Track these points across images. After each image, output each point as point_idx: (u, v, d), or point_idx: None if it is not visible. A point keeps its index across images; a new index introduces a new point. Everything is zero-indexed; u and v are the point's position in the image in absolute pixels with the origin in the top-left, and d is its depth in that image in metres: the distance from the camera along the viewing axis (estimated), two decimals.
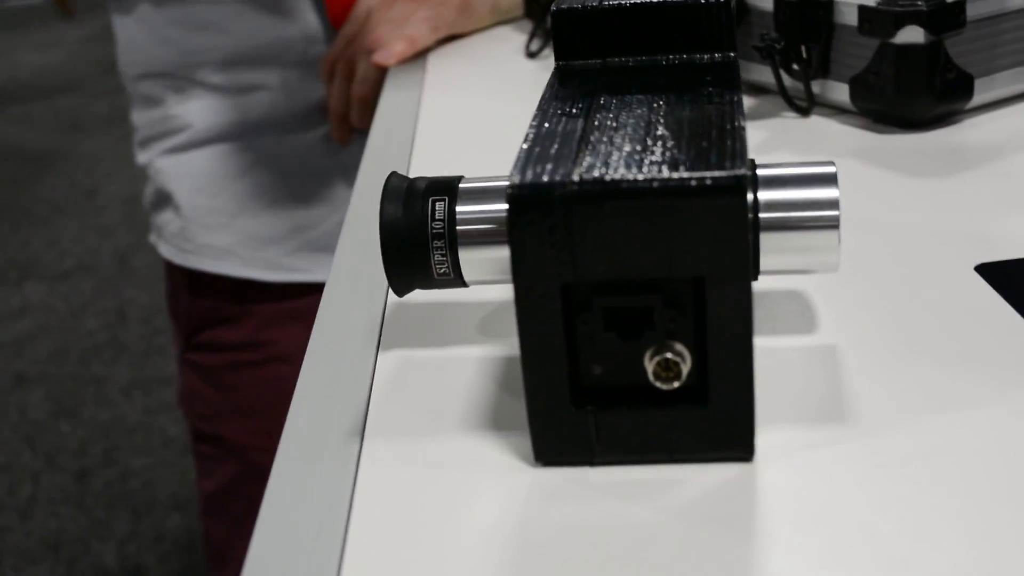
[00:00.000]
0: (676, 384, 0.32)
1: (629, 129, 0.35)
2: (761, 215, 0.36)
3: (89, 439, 1.96)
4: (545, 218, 0.31)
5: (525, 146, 0.34)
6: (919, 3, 0.56)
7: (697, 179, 0.30)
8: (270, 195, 0.97)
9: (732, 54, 0.42)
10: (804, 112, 0.62)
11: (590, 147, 0.33)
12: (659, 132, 0.34)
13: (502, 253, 0.36)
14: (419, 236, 0.38)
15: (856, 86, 0.60)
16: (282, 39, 0.95)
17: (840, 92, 0.61)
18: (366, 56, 0.88)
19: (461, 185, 0.38)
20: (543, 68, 0.79)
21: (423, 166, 0.61)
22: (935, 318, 0.40)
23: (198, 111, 0.97)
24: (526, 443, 0.34)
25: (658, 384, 0.32)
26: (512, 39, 0.88)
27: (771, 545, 0.30)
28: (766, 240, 0.36)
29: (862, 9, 0.58)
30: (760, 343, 0.39)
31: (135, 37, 0.98)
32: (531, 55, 0.82)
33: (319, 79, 0.96)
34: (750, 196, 0.31)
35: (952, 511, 0.30)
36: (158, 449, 1.92)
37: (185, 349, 1.01)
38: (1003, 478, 0.32)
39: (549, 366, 0.32)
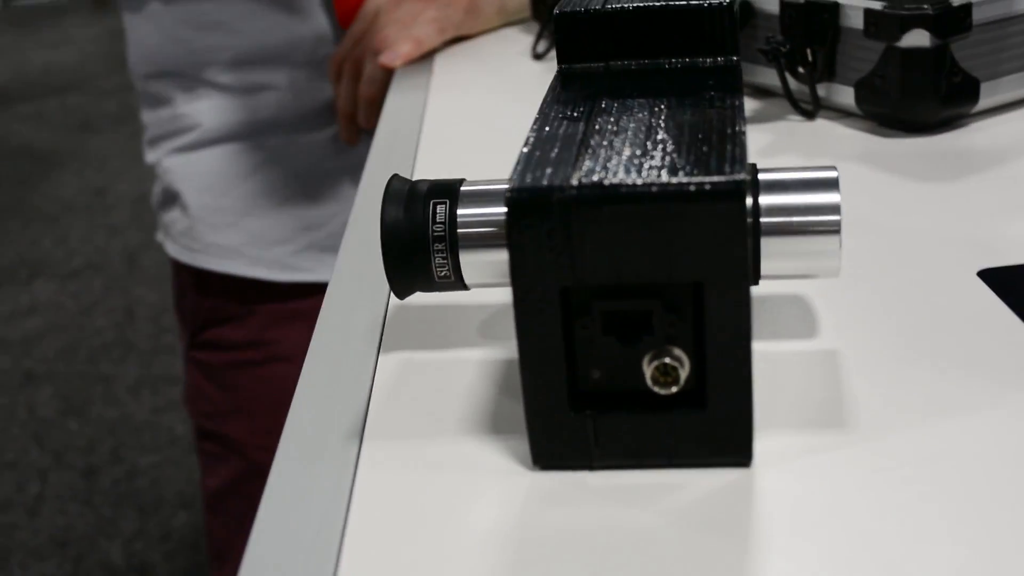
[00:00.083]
0: (674, 389, 0.32)
1: (630, 133, 0.35)
2: (762, 219, 0.36)
3: (97, 437, 1.97)
4: (544, 222, 0.31)
5: (525, 150, 0.34)
6: (925, 7, 0.56)
7: (696, 184, 0.30)
8: (277, 195, 0.98)
9: (735, 58, 0.42)
10: (809, 115, 0.62)
11: (590, 151, 0.33)
12: (659, 136, 0.34)
13: (503, 256, 0.36)
14: (420, 239, 0.38)
15: (861, 90, 0.59)
16: (291, 39, 0.96)
17: (845, 95, 0.61)
18: (373, 57, 0.88)
19: (462, 188, 0.38)
20: (549, 70, 0.79)
21: (428, 167, 0.61)
22: (937, 323, 0.40)
23: (207, 110, 0.98)
24: (525, 446, 0.34)
25: (656, 389, 0.32)
26: (519, 40, 0.88)
27: (768, 550, 0.30)
28: (767, 244, 0.36)
29: (868, 12, 0.58)
30: (761, 347, 0.39)
31: (145, 36, 0.99)
32: (537, 57, 0.82)
33: (327, 79, 0.96)
34: (749, 201, 0.31)
35: (951, 516, 0.30)
36: (165, 447, 1.92)
37: (190, 347, 1.01)
38: (1003, 483, 0.31)
39: (548, 370, 0.32)
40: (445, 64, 0.84)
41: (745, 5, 0.64)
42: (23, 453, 1.94)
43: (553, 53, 0.82)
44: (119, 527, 1.74)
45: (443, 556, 0.30)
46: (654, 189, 0.30)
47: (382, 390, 0.39)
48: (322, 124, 0.98)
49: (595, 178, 0.31)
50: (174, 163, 0.99)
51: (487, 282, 0.38)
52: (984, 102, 0.59)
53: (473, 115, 0.70)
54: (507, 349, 0.41)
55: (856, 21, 0.59)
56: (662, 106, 0.37)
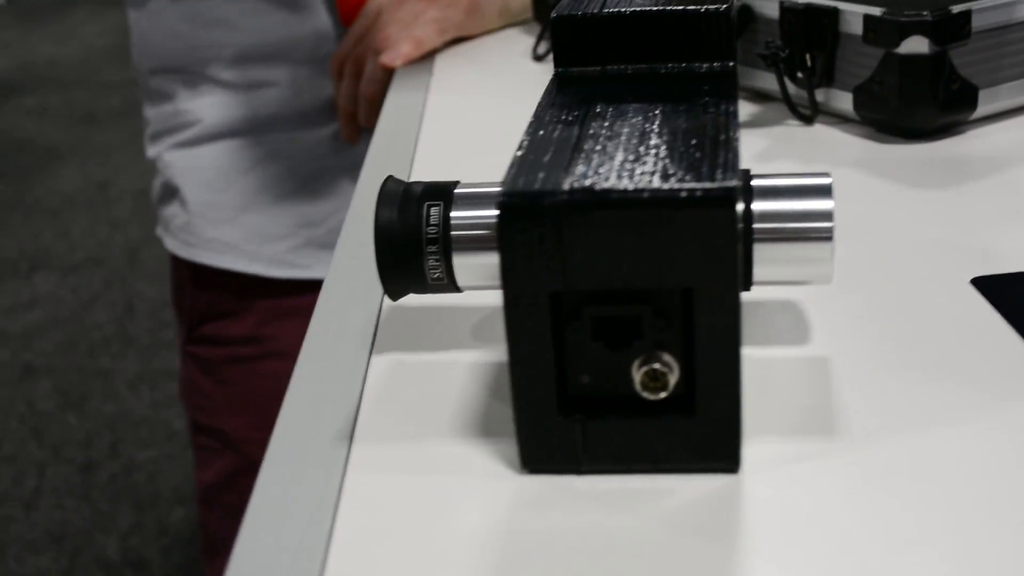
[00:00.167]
0: (663, 394, 0.32)
1: (623, 138, 0.35)
2: (755, 226, 0.36)
3: (95, 431, 1.97)
4: (535, 226, 0.31)
5: (519, 153, 0.34)
6: (924, 13, 0.56)
7: (687, 190, 0.30)
8: (276, 191, 0.98)
9: (731, 63, 0.42)
10: (808, 120, 0.62)
11: (583, 156, 0.33)
12: (653, 142, 0.34)
13: (496, 259, 0.36)
14: (413, 241, 0.38)
15: (860, 95, 0.59)
16: (293, 36, 0.96)
17: (844, 101, 0.61)
18: (374, 56, 0.88)
19: (456, 190, 0.38)
20: (550, 71, 0.78)
21: (426, 168, 0.61)
22: (928, 331, 0.40)
23: (208, 106, 0.98)
24: (515, 450, 0.34)
25: (645, 394, 0.32)
26: (520, 41, 0.88)
27: (754, 558, 0.30)
28: (759, 250, 0.36)
29: (867, 18, 0.58)
30: (752, 353, 0.39)
31: (148, 31, 0.99)
32: (538, 58, 0.82)
33: (328, 77, 0.96)
34: (740, 207, 0.31)
35: (937, 526, 0.30)
36: (163, 443, 1.92)
37: (187, 341, 1.01)
38: (990, 494, 0.31)
39: (537, 374, 0.32)
40: (446, 64, 0.84)
41: (745, 9, 0.64)
42: (21, 446, 1.94)
43: None
44: (116, 522, 1.74)
45: (430, 559, 0.30)
46: (645, 195, 0.30)
47: (373, 391, 0.39)
48: (322, 122, 0.98)
49: (587, 183, 0.31)
50: (174, 158, 0.99)
51: (480, 284, 0.38)
52: (982, 109, 0.59)
53: (472, 116, 0.70)
54: (499, 352, 0.41)
55: (855, 27, 0.59)
56: (657, 111, 0.37)
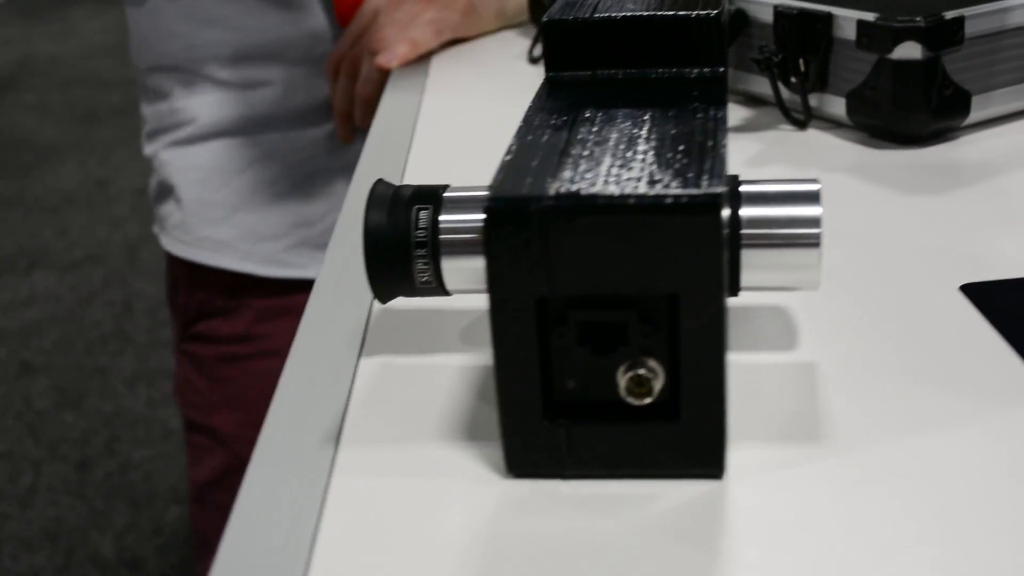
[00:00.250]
0: (647, 400, 0.32)
1: (611, 144, 0.35)
2: (743, 231, 0.36)
3: (91, 430, 1.97)
4: (521, 231, 0.31)
5: (507, 158, 0.34)
6: (917, 19, 0.56)
7: (673, 197, 0.30)
8: (271, 191, 0.98)
9: (721, 68, 0.42)
10: (801, 125, 0.62)
11: (570, 161, 0.33)
12: (640, 147, 0.34)
13: (484, 263, 0.37)
14: (402, 244, 0.38)
15: (853, 100, 0.60)
16: (289, 36, 0.96)
17: (837, 106, 0.61)
18: (370, 56, 0.88)
19: (445, 194, 0.38)
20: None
21: (419, 169, 0.62)
22: (916, 338, 0.40)
23: (204, 105, 0.98)
24: (500, 454, 0.34)
25: (630, 399, 0.32)
26: (516, 44, 0.88)
27: (736, 564, 0.30)
28: (747, 256, 0.36)
29: (860, 24, 0.58)
30: (739, 359, 0.39)
31: (146, 30, 0.99)
32: (534, 61, 0.82)
33: (324, 77, 0.96)
34: (725, 213, 0.31)
35: (922, 533, 0.30)
36: (159, 441, 1.92)
37: (181, 339, 1.02)
38: (975, 501, 0.32)
39: (523, 379, 0.32)
40: (441, 66, 0.84)
41: (740, 14, 0.64)
42: (17, 444, 1.94)
43: None
44: (111, 520, 1.74)
45: (413, 561, 0.31)
46: (631, 201, 0.30)
47: (361, 393, 0.39)
48: (318, 121, 0.98)
49: (573, 188, 0.31)
50: (170, 156, 0.99)
51: (468, 288, 0.38)
52: (975, 115, 0.59)
53: (467, 118, 0.70)
54: (487, 356, 0.41)
55: (849, 32, 0.59)
56: (646, 116, 0.37)
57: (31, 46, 4.44)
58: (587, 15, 0.42)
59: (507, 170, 0.33)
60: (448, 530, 0.32)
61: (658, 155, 0.33)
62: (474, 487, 0.33)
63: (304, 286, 0.96)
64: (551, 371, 0.33)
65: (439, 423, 0.37)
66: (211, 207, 0.98)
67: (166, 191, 1.00)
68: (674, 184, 0.31)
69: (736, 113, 0.66)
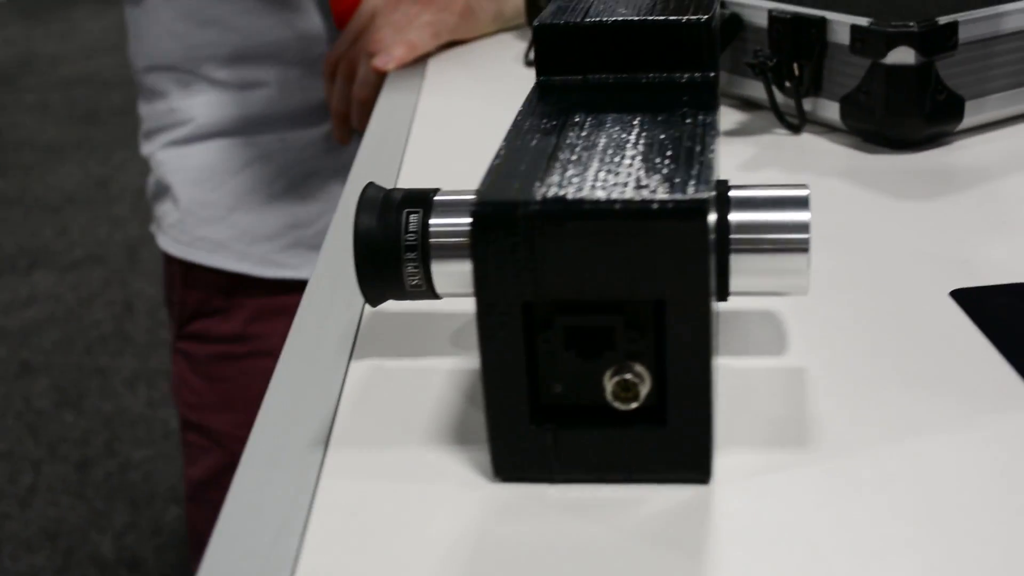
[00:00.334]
0: (634, 405, 0.32)
1: (599, 148, 0.35)
2: (731, 236, 0.36)
3: (91, 430, 1.97)
4: (508, 236, 0.31)
5: (496, 162, 0.34)
6: (911, 24, 0.56)
7: (659, 202, 0.30)
8: (267, 191, 0.98)
9: (712, 73, 0.42)
10: (795, 129, 0.62)
11: (558, 165, 0.33)
12: (628, 152, 0.34)
13: None
14: (392, 248, 0.38)
15: (847, 105, 0.60)
16: (286, 37, 0.96)
17: (831, 110, 0.61)
18: (367, 58, 0.88)
19: (435, 198, 0.39)
20: None
21: (414, 172, 0.62)
22: (905, 343, 0.40)
23: (201, 105, 0.98)
24: (488, 457, 0.34)
25: (616, 404, 0.32)
26: (513, 47, 0.88)
27: (723, 569, 0.30)
28: (736, 261, 0.36)
29: (854, 28, 0.58)
30: (728, 363, 0.40)
31: (144, 30, 0.99)
32: (530, 64, 0.82)
33: (321, 78, 0.96)
34: (711, 218, 0.31)
35: (910, 538, 0.30)
36: (159, 442, 1.93)
37: (177, 338, 1.02)
38: (963, 506, 0.32)
39: (509, 383, 0.32)
40: (438, 68, 0.84)
41: (734, 18, 0.64)
42: (17, 444, 1.95)
43: None
44: (111, 520, 1.74)
45: (400, 565, 0.31)
46: (617, 206, 0.31)
47: (351, 396, 0.39)
48: (314, 122, 0.98)
49: (560, 193, 0.31)
50: (167, 156, 1.00)
51: (458, 292, 0.38)
52: (969, 120, 0.59)
53: (463, 120, 0.71)
54: (477, 359, 0.41)
55: (843, 37, 0.59)
56: (635, 121, 0.37)
57: (32, 46, 4.45)
58: (578, 19, 0.42)
59: (495, 174, 0.33)
60: (435, 533, 0.32)
61: (646, 160, 0.33)
62: (461, 490, 0.34)
63: (298, 286, 0.96)
64: (538, 375, 0.33)
65: (428, 426, 0.37)
66: (207, 207, 0.98)
67: (163, 191, 1.01)
68: (661, 189, 0.31)
69: (730, 117, 0.66)
